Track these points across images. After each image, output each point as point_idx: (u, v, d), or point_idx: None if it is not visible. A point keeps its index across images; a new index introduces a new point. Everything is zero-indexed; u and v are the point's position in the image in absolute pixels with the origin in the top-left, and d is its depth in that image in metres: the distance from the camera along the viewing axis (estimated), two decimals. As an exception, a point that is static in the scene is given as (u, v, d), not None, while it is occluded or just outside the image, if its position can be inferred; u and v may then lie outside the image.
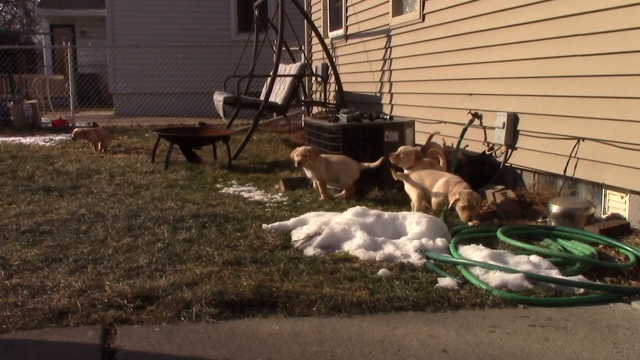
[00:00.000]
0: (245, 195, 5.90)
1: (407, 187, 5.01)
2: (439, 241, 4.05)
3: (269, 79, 9.13)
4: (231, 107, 9.20)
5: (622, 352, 2.68)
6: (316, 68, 11.05)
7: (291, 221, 4.61)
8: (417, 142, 6.76)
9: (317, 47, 11.69)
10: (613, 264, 3.77)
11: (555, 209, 4.66)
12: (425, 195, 4.88)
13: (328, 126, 6.26)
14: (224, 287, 3.27)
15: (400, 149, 5.52)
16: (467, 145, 6.37)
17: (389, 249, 3.97)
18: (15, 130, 12.09)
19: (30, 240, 4.30)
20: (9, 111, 12.92)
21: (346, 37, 10.29)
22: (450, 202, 4.55)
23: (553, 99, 5.19)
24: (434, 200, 4.77)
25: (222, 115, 9.37)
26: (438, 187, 4.73)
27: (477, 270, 3.55)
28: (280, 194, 5.96)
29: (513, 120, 5.70)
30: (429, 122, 7.20)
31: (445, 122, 6.90)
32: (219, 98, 9.27)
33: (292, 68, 9.85)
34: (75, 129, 9.21)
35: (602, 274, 3.61)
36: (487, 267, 3.53)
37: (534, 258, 3.69)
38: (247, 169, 7.42)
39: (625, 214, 4.53)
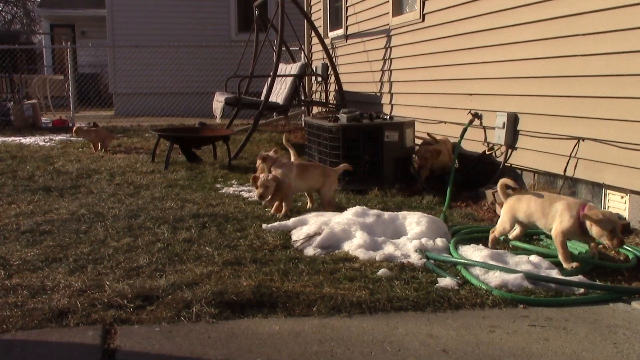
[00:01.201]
0: (245, 195, 5.90)
1: (502, 210, 4.12)
2: (439, 241, 4.05)
3: (269, 79, 9.14)
4: (231, 107, 9.20)
5: (622, 352, 2.68)
6: (316, 68, 11.06)
7: (291, 221, 4.61)
8: (417, 142, 6.77)
9: (317, 47, 11.69)
10: (613, 264, 3.77)
11: (555, 209, 4.66)
12: (521, 222, 4.01)
13: (328, 126, 6.26)
14: (224, 287, 3.27)
15: (261, 181, 4.98)
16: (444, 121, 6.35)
17: (389, 249, 3.97)
18: (15, 130, 12.10)
19: (30, 240, 4.30)
20: (9, 111, 12.92)
21: (346, 37, 10.29)
22: (595, 232, 3.55)
23: (553, 99, 5.19)
24: (556, 228, 3.70)
25: (217, 116, 9.34)
26: (559, 211, 3.72)
27: (477, 270, 3.55)
28: (280, 194, 5.95)
29: (513, 120, 5.70)
30: (429, 122, 7.20)
31: (445, 122, 6.90)
32: (220, 99, 9.26)
33: (293, 68, 9.85)
34: (78, 126, 9.43)
35: (602, 274, 3.62)
36: (487, 267, 3.53)
37: (534, 258, 3.70)
38: (247, 169, 7.41)
39: (625, 214, 4.53)
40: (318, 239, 4.13)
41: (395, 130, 6.17)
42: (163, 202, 5.50)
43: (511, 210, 4.00)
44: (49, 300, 3.12)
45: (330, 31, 11.29)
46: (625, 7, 4.38)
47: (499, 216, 5.06)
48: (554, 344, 2.74)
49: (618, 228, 3.53)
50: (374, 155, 6.10)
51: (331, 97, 10.39)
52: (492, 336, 2.82)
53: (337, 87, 9.60)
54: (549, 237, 4.28)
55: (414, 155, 6.31)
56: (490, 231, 4.08)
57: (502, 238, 4.13)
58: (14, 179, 6.76)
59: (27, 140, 10.62)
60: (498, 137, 5.85)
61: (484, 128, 6.18)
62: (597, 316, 3.06)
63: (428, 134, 6.84)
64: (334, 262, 3.81)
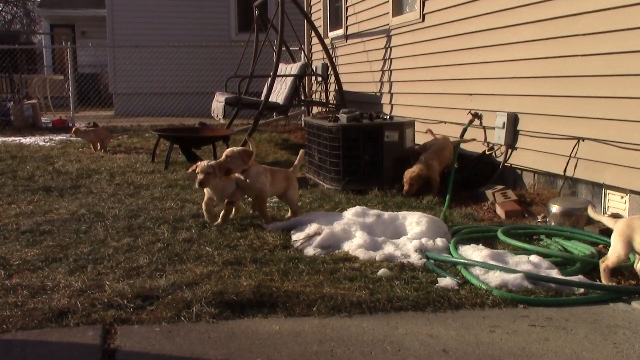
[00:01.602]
0: (245, 195, 5.89)
1: (614, 236, 3.50)
2: (439, 241, 4.05)
3: (269, 79, 9.14)
4: (231, 107, 9.21)
5: (622, 352, 2.68)
6: (316, 68, 11.06)
7: (291, 221, 4.61)
8: (417, 141, 6.76)
9: (317, 47, 11.69)
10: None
11: (555, 209, 4.67)
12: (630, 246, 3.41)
13: (328, 126, 6.26)
14: (224, 287, 3.27)
15: (225, 152, 4.64)
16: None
17: (389, 249, 3.97)
18: (15, 130, 12.09)
19: (30, 240, 4.30)
20: (9, 111, 12.92)
21: (346, 37, 10.29)
22: None
23: (553, 99, 5.19)
24: None
25: (219, 117, 9.35)
26: None
27: (477, 270, 3.55)
28: (280, 194, 5.94)
29: (513, 120, 5.70)
30: (429, 122, 7.20)
31: (445, 122, 6.90)
32: (220, 99, 9.26)
33: (293, 68, 9.86)
34: (77, 126, 9.44)
35: (602, 274, 3.61)
36: (487, 267, 3.53)
37: (534, 258, 3.70)
38: (247, 169, 7.40)
39: (625, 213, 4.52)
40: (318, 239, 4.13)
41: (395, 130, 6.17)
42: (163, 202, 5.50)
43: (624, 235, 3.42)
44: (49, 300, 3.12)
45: (330, 31, 11.29)
46: (625, 7, 4.38)
47: (498, 216, 5.09)
48: (554, 344, 2.74)
49: None
50: (374, 155, 6.09)
51: (331, 97, 10.40)
52: (492, 336, 2.82)
53: (337, 87, 9.60)
54: (549, 237, 4.29)
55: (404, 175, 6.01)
56: (601, 260, 3.53)
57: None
58: (14, 179, 6.76)
59: (27, 140, 10.62)
60: (498, 137, 5.85)
61: (484, 128, 6.18)
62: (597, 316, 3.06)
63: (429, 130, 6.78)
64: (334, 262, 3.81)
